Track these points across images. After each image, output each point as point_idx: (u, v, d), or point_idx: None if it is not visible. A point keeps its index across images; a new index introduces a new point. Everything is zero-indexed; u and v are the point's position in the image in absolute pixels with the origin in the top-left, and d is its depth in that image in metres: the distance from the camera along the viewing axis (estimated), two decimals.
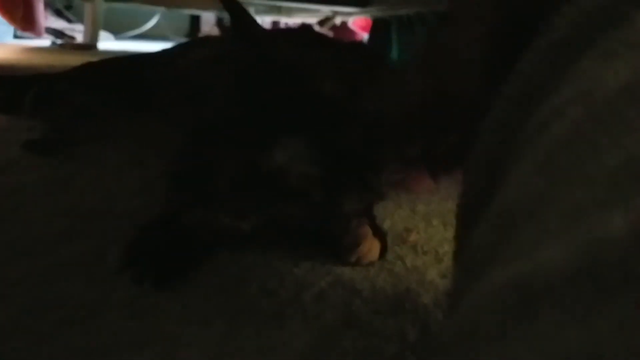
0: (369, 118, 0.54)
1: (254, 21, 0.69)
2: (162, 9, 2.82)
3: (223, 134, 0.59)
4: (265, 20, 2.97)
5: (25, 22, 2.55)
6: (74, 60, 1.29)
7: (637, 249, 0.14)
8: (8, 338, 0.43)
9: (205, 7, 2.82)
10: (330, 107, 0.55)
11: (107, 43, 2.71)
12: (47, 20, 2.77)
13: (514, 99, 0.24)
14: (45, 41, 2.69)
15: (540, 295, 0.15)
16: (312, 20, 2.78)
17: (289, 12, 2.87)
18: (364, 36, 2.77)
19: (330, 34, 2.57)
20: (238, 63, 0.63)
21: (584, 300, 0.14)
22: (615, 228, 0.15)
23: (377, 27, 2.36)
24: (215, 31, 2.99)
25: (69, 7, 2.73)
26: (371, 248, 0.60)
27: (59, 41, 2.69)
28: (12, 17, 2.48)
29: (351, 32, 2.91)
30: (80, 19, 2.72)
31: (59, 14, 2.84)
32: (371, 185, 0.57)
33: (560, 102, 0.20)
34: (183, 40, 2.23)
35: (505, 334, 0.16)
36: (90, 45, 2.52)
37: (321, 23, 2.74)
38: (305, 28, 0.84)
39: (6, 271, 0.52)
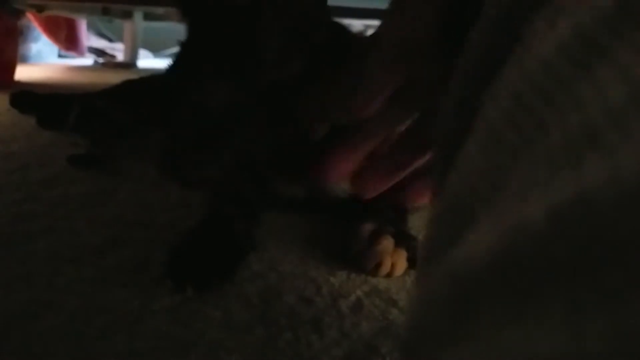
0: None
1: None
2: None
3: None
4: None
5: (69, 43, 2.65)
6: (115, 78, 1.33)
7: (555, 232, 0.12)
8: (57, 343, 0.45)
9: None
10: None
11: (147, 61, 2.78)
12: (89, 40, 2.86)
13: (468, 71, 0.21)
14: (88, 60, 2.78)
15: (472, 286, 0.14)
16: None
17: None
18: None
19: None
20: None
21: (512, 293, 0.12)
22: (532, 213, 0.13)
23: None
24: None
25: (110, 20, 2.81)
26: (396, 261, 0.59)
27: (100, 60, 2.77)
28: (56, 38, 2.58)
29: None
30: (120, 38, 2.81)
31: (100, 34, 2.94)
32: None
33: (508, 71, 0.17)
34: None
35: (456, 336, 0.14)
36: (130, 64, 2.59)
37: None
38: None
39: (54, 278, 0.54)
